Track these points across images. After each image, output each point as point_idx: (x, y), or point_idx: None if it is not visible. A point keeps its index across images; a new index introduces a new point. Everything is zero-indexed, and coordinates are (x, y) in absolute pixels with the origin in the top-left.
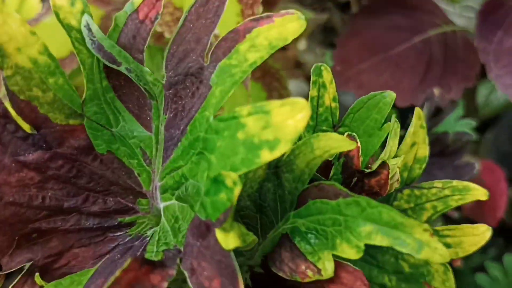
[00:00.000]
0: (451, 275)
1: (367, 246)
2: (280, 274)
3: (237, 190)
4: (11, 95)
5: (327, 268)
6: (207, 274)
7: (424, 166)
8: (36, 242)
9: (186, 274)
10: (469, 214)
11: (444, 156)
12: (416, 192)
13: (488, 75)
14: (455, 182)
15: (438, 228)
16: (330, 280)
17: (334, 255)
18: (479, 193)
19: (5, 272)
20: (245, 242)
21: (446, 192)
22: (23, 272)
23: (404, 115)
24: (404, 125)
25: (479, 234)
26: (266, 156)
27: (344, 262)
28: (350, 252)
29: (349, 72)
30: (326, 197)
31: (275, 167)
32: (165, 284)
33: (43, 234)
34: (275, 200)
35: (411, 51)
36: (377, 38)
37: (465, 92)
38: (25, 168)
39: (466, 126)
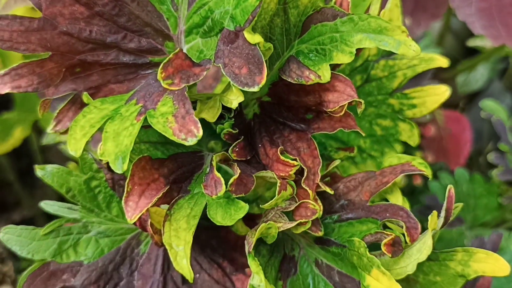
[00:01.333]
0: (416, 131)
1: None
2: (289, 79)
3: None
4: None
5: (325, 74)
6: (237, 65)
7: None
8: (79, 76)
9: (221, 66)
10: (437, 159)
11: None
12: (390, 62)
13: (450, 4)
14: (422, 54)
15: (406, 91)
16: (327, 89)
17: (331, 66)
18: (441, 61)
19: (52, 98)
20: (265, 47)
21: (415, 62)
22: (69, 99)
23: None
24: None
25: (439, 94)
26: None
27: (338, 73)
28: (344, 58)
29: None
30: (326, 19)
31: (284, 3)
32: (203, 73)
33: (86, 68)
34: (281, 33)
35: None
36: None
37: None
38: (77, 3)
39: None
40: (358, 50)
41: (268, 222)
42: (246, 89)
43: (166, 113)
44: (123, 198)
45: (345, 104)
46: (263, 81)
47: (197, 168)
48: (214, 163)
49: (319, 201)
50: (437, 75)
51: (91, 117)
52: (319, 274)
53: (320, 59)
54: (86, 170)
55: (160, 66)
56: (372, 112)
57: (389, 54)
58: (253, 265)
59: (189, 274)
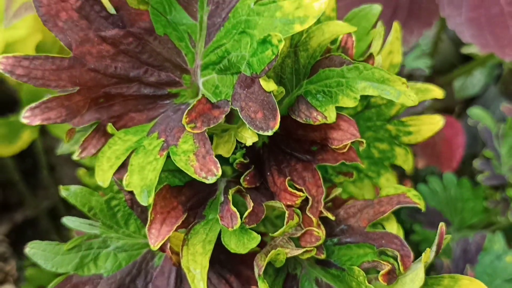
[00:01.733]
0: (410, 156)
1: None
2: (298, 119)
3: (281, 46)
4: None
5: (331, 115)
6: (253, 109)
7: (397, 70)
8: (102, 106)
9: (238, 110)
10: (429, 163)
11: None
12: None
13: (441, 14)
14: (418, 84)
15: (403, 119)
16: (332, 127)
17: (336, 107)
18: (437, 93)
19: (77, 127)
20: (277, 92)
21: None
22: (93, 128)
23: None
24: None
25: (434, 123)
26: (298, 27)
27: (343, 113)
28: (349, 102)
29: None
30: (333, 65)
31: (295, 47)
32: (222, 116)
33: (109, 99)
34: (291, 73)
35: None
36: None
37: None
38: (104, 42)
39: (422, 64)
40: None
41: (278, 248)
42: (261, 132)
43: (188, 151)
44: (147, 226)
45: (348, 144)
46: (277, 126)
47: (211, 194)
48: (229, 197)
49: (322, 227)
50: (433, 79)
51: (116, 148)
52: None
53: (327, 100)
54: (107, 191)
55: (185, 113)
56: (371, 136)
57: None
58: (262, 286)
59: None
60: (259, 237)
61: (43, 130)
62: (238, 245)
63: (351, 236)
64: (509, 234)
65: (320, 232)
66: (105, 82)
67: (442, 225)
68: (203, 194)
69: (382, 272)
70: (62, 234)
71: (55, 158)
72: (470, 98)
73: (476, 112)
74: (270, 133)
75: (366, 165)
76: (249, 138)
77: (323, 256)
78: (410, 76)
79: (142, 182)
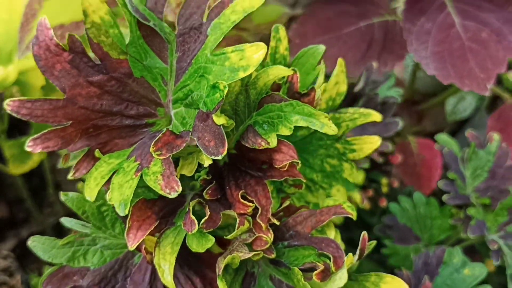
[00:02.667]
0: (355, 170)
1: (303, 156)
2: (246, 144)
3: (225, 91)
4: (89, 39)
5: (273, 141)
6: (207, 139)
7: (342, 98)
8: (91, 135)
9: (196, 139)
10: (408, 183)
11: None
12: (336, 115)
13: (408, 49)
14: (361, 110)
15: (348, 138)
16: (275, 150)
17: (277, 135)
18: (376, 116)
19: (71, 152)
20: (228, 123)
21: (355, 115)
22: (84, 153)
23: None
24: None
25: (373, 142)
26: (242, 74)
27: (283, 140)
28: (286, 131)
29: (304, 44)
30: (274, 101)
31: (246, 86)
32: (183, 145)
33: (97, 129)
34: (244, 106)
35: (357, 32)
36: (330, 20)
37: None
38: (91, 86)
39: (395, 93)
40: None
41: (233, 253)
42: (213, 157)
43: (156, 172)
44: (125, 231)
45: (288, 163)
46: (225, 152)
47: (180, 205)
48: (190, 208)
49: (270, 231)
50: (406, 108)
51: (102, 170)
52: (273, 286)
53: (270, 129)
54: (98, 198)
55: (152, 143)
56: (323, 153)
57: (337, 109)
58: (221, 285)
59: (172, 286)
60: (213, 239)
61: (49, 152)
62: (198, 246)
63: (298, 240)
64: (480, 250)
65: (268, 238)
66: (93, 116)
67: (364, 234)
68: (174, 205)
69: (316, 271)
70: None
71: (61, 176)
72: (461, 121)
73: (442, 137)
74: (220, 157)
75: (320, 177)
76: (207, 160)
77: (273, 256)
78: (384, 103)
79: (121, 197)
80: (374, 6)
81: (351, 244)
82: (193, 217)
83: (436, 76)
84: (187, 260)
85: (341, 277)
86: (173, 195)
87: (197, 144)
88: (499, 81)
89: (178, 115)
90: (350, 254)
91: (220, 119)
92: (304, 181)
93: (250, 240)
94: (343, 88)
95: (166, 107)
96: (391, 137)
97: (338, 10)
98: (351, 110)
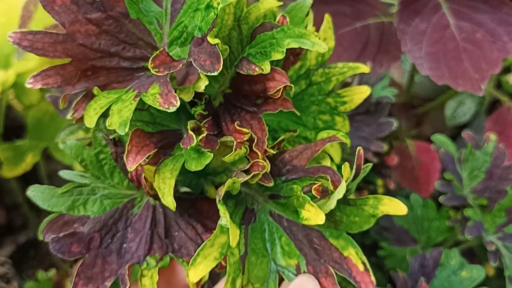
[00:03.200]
0: (346, 122)
1: (295, 114)
2: (241, 71)
3: (219, 7)
4: None
5: (266, 68)
6: (203, 59)
7: (331, 53)
8: (90, 77)
9: (192, 60)
10: (406, 187)
11: (369, 114)
12: (326, 70)
13: (402, 49)
14: (350, 64)
15: (339, 91)
16: (268, 79)
17: (271, 61)
18: (364, 69)
19: (69, 93)
20: (222, 47)
21: (344, 69)
22: (83, 94)
23: None
24: None
25: (363, 92)
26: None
27: (277, 68)
28: (279, 56)
29: None
30: (266, 30)
31: (238, 21)
32: (180, 65)
33: (95, 72)
34: (237, 42)
35: (352, 33)
36: None
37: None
38: (90, 23)
39: (389, 93)
40: (298, 59)
41: (233, 178)
42: (209, 74)
43: (155, 93)
44: (125, 155)
45: (281, 88)
46: (220, 68)
47: (178, 139)
48: (189, 127)
49: (267, 161)
50: (405, 112)
51: (101, 102)
52: (272, 221)
53: (263, 58)
54: (96, 145)
55: (150, 60)
56: (315, 109)
57: (324, 64)
58: (222, 209)
59: (172, 205)
60: (211, 155)
61: (46, 155)
62: (197, 165)
63: (295, 174)
64: (479, 253)
65: (265, 163)
66: (91, 56)
67: (359, 149)
68: (172, 139)
69: (314, 186)
70: None
71: (58, 182)
72: (461, 126)
73: (439, 138)
74: (216, 73)
75: (314, 135)
76: (202, 84)
77: (271, 184)
78: (378, 103)
79: (120, 119)
80: (370, 7)
81: None
82: (192, 133)
83: (430, 76)
84: (187, 211)
85: (340, 190)
86: (172, 109)
87: (194, 65)
88: (499, 85)
89: (175, 56)
90: (346, 163)
91: (214, 40)
92: (298, 114)
93: (248, 167)
94: (332, 43)
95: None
96: (389, 140)
97: (333, 10)
98: (340, 64)
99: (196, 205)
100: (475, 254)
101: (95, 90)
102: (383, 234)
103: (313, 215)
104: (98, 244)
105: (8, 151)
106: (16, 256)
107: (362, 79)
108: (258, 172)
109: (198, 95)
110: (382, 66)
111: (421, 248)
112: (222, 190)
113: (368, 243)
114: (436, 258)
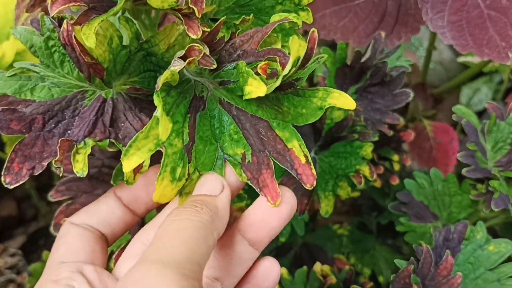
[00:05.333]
0: (310, 14)
1: (261, 18)
2: None
3: None
4: None
5: None
6: None
7: None
8: None
9: None
10: (426, 167)
11: (384, 85)
12: None
13: (423, 17)
14: None
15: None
16: None
17: None
18: None
19: None
20: None
21: None
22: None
23: None
24: None
25: None
26: None
27: None
28: None
29: (314, 16)
30: None
31: None
32: None
33: None
34: None
35: (369, 4)
36: None
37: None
38: None
39: (405, 62)
40: None
41: (171, 69)
42: None
43: None
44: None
45: None
46: None
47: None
48: None
49: (204, 45)
50: (421, 92)
51: None
52: (222, 109)
53: None
54: (44, 31)
55: None
56: (280, 9)
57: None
58: (157, 100)
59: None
60: None
61: None
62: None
63: (246, 58)
64: (501, 234)
65: (201, 47)
66: None
67: (313, 30)
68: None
69: (260, 64)
70: None
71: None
72: (477, 113)
73: (460, 108)
74: None
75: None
76: None
77: (214, 66)
78: (393, 74)
79: None
80: None
81: (363, 229)
82: None
83: (454, 45)
84: (138, 106)
85: (288, 67)
86: None
87: None
88: None
89: None
90: (295, 37)
91: None
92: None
93: (184, 53)
94: None
95: None
96: (405, 120)
97: None
98: None
99: (150, 103)
100: (497, 235)
101: None
102: (399, 209)
103: (255, 87)
104: (40, 127)
105: None
106: (27, 245)
107: (377, 49)
108: (193, 58)
109: None
110: (401, 38)
111: (442, 226)
112: (160, 82)
113: (385, 223)
114: (461, 231)
